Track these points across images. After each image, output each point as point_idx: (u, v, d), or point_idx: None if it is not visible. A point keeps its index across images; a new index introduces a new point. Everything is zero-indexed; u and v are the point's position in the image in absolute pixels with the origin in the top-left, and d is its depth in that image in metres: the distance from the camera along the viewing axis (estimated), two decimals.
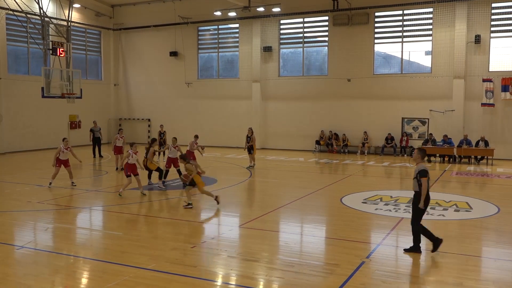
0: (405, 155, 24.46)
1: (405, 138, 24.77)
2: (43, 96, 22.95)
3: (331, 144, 26.40)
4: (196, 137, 17.93)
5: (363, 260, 8.07)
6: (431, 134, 23.50)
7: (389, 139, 25.04)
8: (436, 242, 8.37)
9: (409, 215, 11.37)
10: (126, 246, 8.92)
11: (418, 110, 24.92)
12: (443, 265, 8.00)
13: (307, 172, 19.88)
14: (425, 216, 11.19)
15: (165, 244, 9.05)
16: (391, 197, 13.62)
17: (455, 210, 12.02)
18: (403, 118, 25.26)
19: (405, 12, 25.16)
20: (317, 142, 26.82)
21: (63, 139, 15.70)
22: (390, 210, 11.92)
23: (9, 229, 10.58)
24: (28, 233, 10.36)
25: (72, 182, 15.36)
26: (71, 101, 24.72)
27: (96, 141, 23.64)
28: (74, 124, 29.15)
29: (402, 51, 25.46)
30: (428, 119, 24.77)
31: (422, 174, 8.25)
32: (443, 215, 11.46)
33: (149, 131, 31.48)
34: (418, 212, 8.40)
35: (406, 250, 8.53)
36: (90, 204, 12.96)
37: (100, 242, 9.69)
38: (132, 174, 13.71)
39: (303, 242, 9.73)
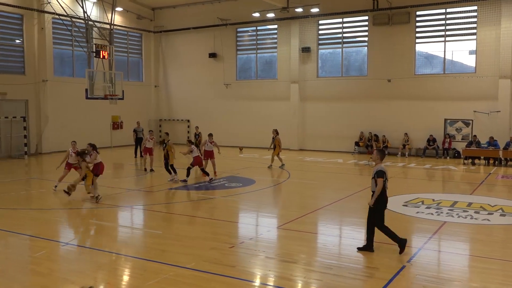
0: (448, 157, 23.84)
1: (448, 139, 24.13)
2: (86, 98, 23.61)
3: (371, 145, 26.02)
4: (210, 135, 18.31)
5: (404, 264, 7.91)
6: (475, 136, 22.77)
7: (431, 140, 24.45)
8: (369, 246, 8.57)
9: (452, 219, 11.14)
10: (166, 245, 9.06)
11: (461, 111, 24.20)
12: (487, 271, 7.75)
13: (346, 174, 19.66)
14: (469, 221, 10.95)
15: (204, 243, 9.14)
16: (433, 200, 13.30)
17: (501, 215, 11.60)
18: (445, 119, 24.61)
19: (448, 10, 24.50)
20: (356, 144, 26.49)
21: (71, 142, 15.41)
22: (432, 214, 11.63)
23: (55, 226, 10.94)
24: (72, 230, 10.69)
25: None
26: (113, 102, 25.35)
27: (139, 141, 24.17)
28: (116, 125, 29.85)
29: (444, 51, 24.81)
30: (472, 120, 24.03)
31: (379, 174, 8.39)
32: (488, 220, 11.08)
33: (188, 132, 31.89)
34: (378, 212, 8.53)
35: (359, 249, 8.65)
36: (131, 203, 13.24)
37: (141, 240, 9.89)
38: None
39: (342, 244, 9.63)
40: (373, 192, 8.48)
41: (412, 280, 7.31)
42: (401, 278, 7.33)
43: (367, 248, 8.59)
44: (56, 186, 14.76)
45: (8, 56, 25.06)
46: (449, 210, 12.02)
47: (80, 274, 7.59)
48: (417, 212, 11.82)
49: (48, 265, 8.02)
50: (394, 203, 12.91)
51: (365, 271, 7.69)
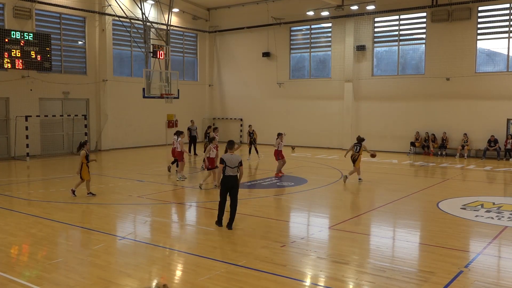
0: (511, 159, 22.74)
1: (511, 141, 23.01)
2: (144, 97, 24.34)
3: (427, 146, 25.23)
4: (212, 140, 15.23)
5: (461, 269, 7.63)
6: None
7: (492, 141, 23.41)
8: (218, 222, 10.30)
9: None
10: (218, 242, 9.19)
11: None
12: None
13: (401, 175, 19.18)
14: None
15: (255, 242, 9.20)
16: (494, 203, 12.74)
17: None
18: (508, 120, 23.48)
19: None
20: (412, 144, 25.77)
21: (181, 133, 17.14)
22: (492, 218, 11.15)
23: (112, 221, 11.35)
24: (128, 225, 11.05)
25: (180, 177, 16.58)
26: (169, 101, 25.98)
27: (192, 140, 24.65)
28: (171, 123, 30.54)
29: (508, 47, 23.66)
30: None
31: (220, 161, 10.16)
32: None
33: (241, 130, 32.17)
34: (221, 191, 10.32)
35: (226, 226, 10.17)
36: (185, 200, 13.51)
37: (194, 236, 10.08)
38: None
39: (395, 247, 9.40)
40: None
41: (470, 286, 7.04)
42: (458, 283, 7.07)
43: (217, 222, 10.32)
44: (182, 177, 16.57)
45: (72, 57, 26.21)
46: (510, 214, 11.48)
47: (135, 267, 7.84)
48: (476, 216, 11.37)
49: (105, 257, 8.34)
50: (451, 206, 12.49)
51: (420, 275, 7.47)
